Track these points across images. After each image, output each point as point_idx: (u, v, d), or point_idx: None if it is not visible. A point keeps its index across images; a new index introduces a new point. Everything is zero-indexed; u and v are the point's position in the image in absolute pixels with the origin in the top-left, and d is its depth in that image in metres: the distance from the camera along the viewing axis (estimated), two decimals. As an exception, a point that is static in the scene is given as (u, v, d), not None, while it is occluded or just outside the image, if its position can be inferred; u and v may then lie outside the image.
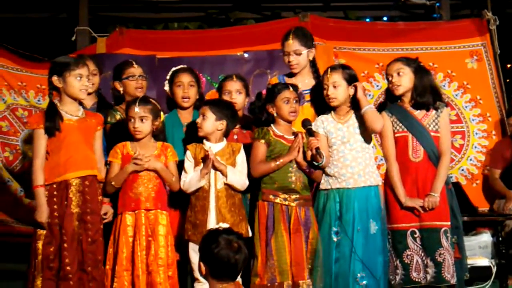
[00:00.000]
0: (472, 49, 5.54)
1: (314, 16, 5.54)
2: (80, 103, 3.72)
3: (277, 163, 3.60)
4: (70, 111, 3.63)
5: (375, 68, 5.48)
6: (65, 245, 3.49)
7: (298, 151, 3.60)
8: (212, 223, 3.54)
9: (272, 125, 3.71)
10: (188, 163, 3.65)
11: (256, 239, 3.59)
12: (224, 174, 3.59)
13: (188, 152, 3.66)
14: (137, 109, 3.61)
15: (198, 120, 3.66)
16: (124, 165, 3.63)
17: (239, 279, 2.98)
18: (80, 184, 3.56)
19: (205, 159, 3.57)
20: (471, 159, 5.41)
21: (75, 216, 3.54)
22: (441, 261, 3.61)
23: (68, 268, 3.47)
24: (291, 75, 4.00)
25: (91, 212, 3.58)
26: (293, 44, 3.88)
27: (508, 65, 7.18)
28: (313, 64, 3.97)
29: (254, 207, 3.69)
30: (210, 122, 3.63)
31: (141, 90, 4.01)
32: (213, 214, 3.57)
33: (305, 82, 3.93)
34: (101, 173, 3.67)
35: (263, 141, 3.65)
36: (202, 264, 2.74)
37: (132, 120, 3.62)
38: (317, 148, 3.58)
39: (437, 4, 6.12)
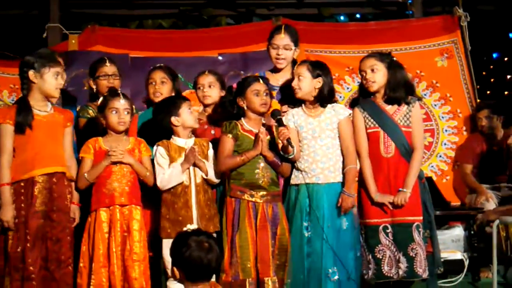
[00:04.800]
0: (442, 47, 5.63)
1: (285, 20, 5.62)
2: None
3: (243, 158, 3.60)
4: (38, 107, 3.56)
5: (346, 71, 5.58)
6: (28, 244, 3.44)
7: (262, 145, 3.59)
8: (195, 218, 3.55)
9: (242, 119, 3.70)
10: (163, 160, 3.63)
11: (223, 235, 3.60)
12: (203, 170, 3.61)
13: (161, 149, 3.65)
14: (122, 101, 3.62)
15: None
16: (96, 160, 3.60)
17: (213, 278, 2.97)
18: (47, 181, 3.51)
19: (188, 154, 3.58)
20: (440, 156, 5.49)
21: (40, 214, 3.48)
22: (413, 256, 3.64)
23: (31, 268, 3.42)
24: (273, 71, 4.02)
25: (58, 209, 3.52)
26: (285, 38, 3.93)
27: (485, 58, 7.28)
28: (294, 64, 3.98)
29: (223, 203, 3.69)
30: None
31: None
32: (194, 209, 3.58)
33: (286, 79, 3.95)
34: (72, 170, 3.62)
35: (230, 135, 3.65)
36: (175, 269, 2.70)
37: (115, 112, 3.59)
38: (288, 139, 3.58)
39: (409, 1, 6.17)
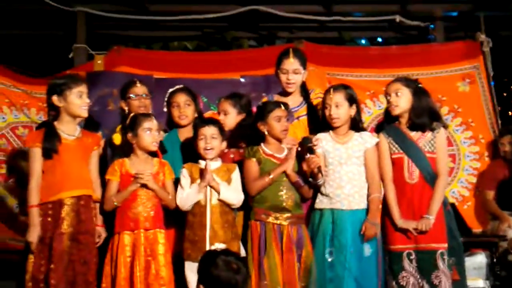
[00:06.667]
0: (464, 72, 5.62)
1: (307, 43, 5.67)
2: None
3: (271, 176, 3.62)
4: (67, 131, 3.62)
5: (366, 95, 5.60)
6: (52, 265, 3.46)
7: (288, 164, 3.60)
8: (207, 238, 3.56)
9: (262, 144, 3.72)
10: (184, 180, 3.68)
11: (249, 259, 3.59)
12: (216, 190, 3.62)
13: (184, 170, 3.70)
14: (155, 122, 3.69)
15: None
16: (123, 183, 3.64)
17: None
18: (75, 203, 3.55)
19: (203, 172, 3.61)
20: (461, 182, 5.46)
21: (66, 236, 3.51)
22: (437, 283, 3.61)
23: None
24: (282, 94, 4.02)
25: (85, 232, 3.57)
26: (294, 62, 3.91)
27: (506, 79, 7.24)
28: (302, 84, 4.00)
29: (247, 227, 3.70)
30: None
31: (143, 109, 4.02)
32: (208, 229, 3.59)
33: (295, 101, 3.96)
34: (97, 193, 3.67)
35: (254, 159, 3.67)
36: (201, 287, 2.73)
37: (149, 132, 3.65)
38: (319, 167, 3.59)
39: (431, 26, 6.19)
